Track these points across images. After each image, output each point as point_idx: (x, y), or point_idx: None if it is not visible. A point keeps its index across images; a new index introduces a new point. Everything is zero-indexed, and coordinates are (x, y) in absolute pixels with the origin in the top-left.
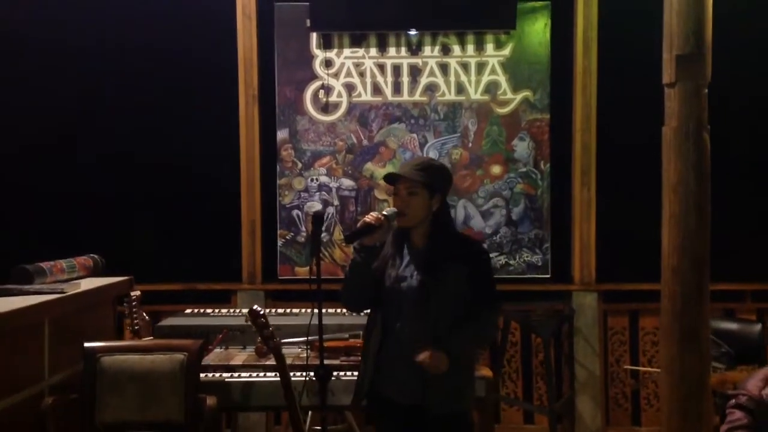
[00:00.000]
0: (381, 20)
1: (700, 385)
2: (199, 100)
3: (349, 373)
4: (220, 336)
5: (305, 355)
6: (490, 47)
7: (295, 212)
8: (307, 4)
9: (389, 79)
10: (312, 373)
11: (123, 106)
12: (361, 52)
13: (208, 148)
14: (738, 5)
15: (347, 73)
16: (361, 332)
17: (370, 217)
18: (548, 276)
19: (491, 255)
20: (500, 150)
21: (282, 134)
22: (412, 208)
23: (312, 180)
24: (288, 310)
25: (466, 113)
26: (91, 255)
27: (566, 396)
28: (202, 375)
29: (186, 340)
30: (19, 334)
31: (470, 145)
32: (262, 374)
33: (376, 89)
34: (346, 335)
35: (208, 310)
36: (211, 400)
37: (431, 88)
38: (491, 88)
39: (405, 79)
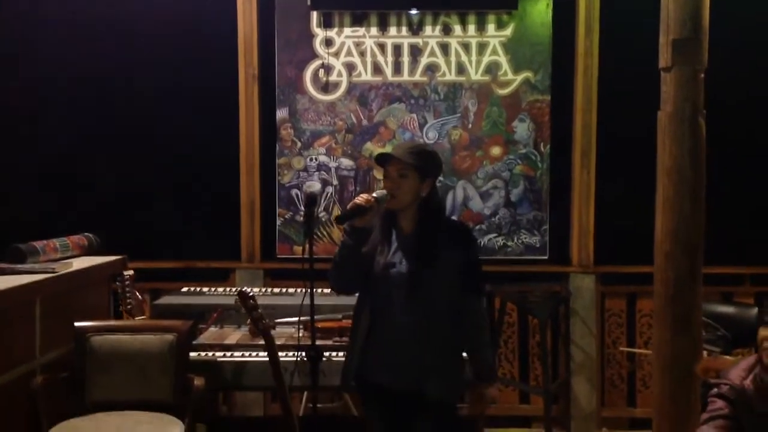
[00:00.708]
0: None
1: (690, 369)
2: (199, 79)
3: (341, 354)
4: (215, 315)
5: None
6: (491, 27)
7: (294, 191)
8: None
9: (389, 58)
10: (303, 353)
11: (121, 86)
12: (361, 31)
13: (208, 127)
14: None
15: (347, 53)
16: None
17: (361, 199)
18: (546, 257)
19: (490, 236)
20: (500, 131)
21: (282, 113)
22: (402, 191)
23: (311, 159)
24: (284, 290)
25: (466, 94)
26: (86, 234)
27: (562, 377)
28: (195, 354)
29: (176, 321)
30: (11, 313)
31: (470, 126)
32: (255, 354)
33: (377, 69)
34: (340, 316)
35: (204, 289)
36: (199, 381)
37: (432, 68)
38: (492, 68)
39: (405, 58)
